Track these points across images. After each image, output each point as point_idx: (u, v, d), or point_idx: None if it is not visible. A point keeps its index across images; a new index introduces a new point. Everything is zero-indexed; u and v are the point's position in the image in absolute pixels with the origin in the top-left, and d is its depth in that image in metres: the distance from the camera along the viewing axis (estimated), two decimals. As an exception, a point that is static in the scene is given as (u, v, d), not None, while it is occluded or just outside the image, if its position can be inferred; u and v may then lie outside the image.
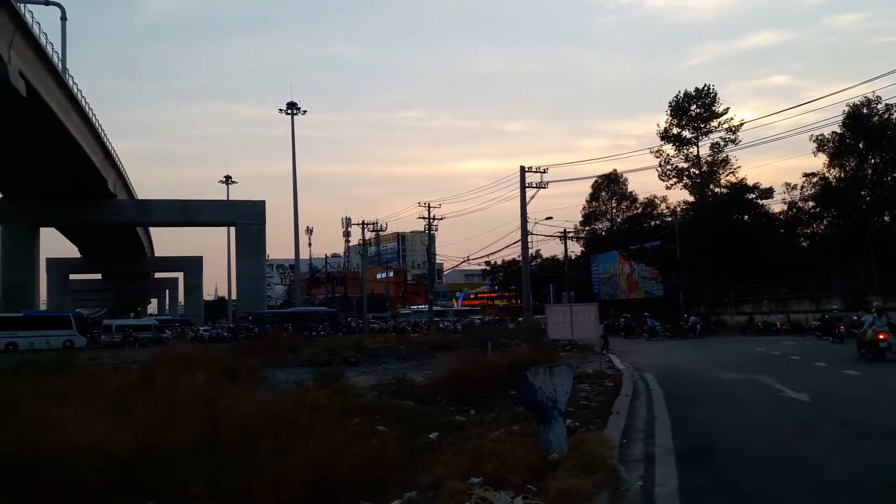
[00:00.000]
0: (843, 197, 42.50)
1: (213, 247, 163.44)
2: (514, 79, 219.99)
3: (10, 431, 6.58)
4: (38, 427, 6.72)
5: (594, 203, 69.51)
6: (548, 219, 68.10)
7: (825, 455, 7.55)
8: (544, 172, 42.73)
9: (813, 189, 44.94)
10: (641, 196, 66.29)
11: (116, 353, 32.34)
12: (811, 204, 45.84)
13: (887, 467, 6.95)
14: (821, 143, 43.53)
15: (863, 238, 40.68)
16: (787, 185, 47.70)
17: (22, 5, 35.05)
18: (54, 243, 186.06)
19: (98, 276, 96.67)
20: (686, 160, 54.85)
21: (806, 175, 45.40)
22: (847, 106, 41.81)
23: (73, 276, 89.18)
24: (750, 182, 51.88)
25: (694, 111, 53.76)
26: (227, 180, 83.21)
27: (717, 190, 54.09)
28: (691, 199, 55.64)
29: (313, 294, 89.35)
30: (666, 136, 54.30)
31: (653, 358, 23.03)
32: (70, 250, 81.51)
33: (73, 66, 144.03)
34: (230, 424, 7.31)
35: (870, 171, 42.66)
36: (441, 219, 58.71)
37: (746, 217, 51.52)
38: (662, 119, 57.14)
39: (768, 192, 50.51)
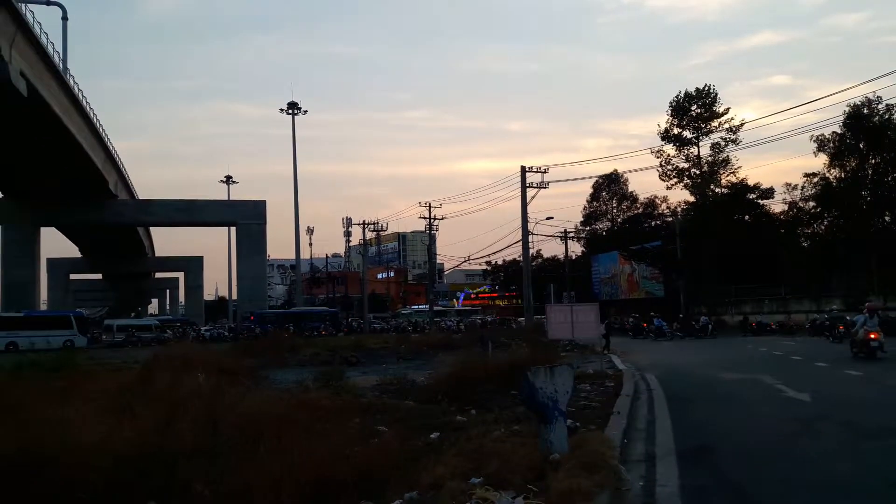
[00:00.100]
0: (843, 197, 42.50)
1: (213, 247, 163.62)
2: (515, 79, 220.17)
3: (11, 431, 6.59)
4: (39, 427, 6.72)
5: (595, 203, 69.58)
6: (548, 219, 67.98)
7: (826, 455, 7.55)
8: (545, 172, 42.83)
9: (813, 189, 44.96)
10: (642, 196, 66.53)
11: (118, 353, 32.41)
12: (812, 204, 45.87)
13: (888, 467, 6.95)
14: (821, 144, 43.54)
15: (863, 238, 40.68)
16: (788, 185, 47.86)
17: (23, 5, 35.05)
18: (55, 243, 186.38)
19: (99, 276, 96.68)
20: (687, 160, 54.87)
21: (806, 175, 45.48)
22: (848, 106, 41.93)
23: (73, 276, 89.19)
24: (750, 182, 52.05)
25: (695, 111, 53.75)
26: (228, 180, 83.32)
27: (717, 190, 54.10)
28: (692, 199, 55.68)
29: (314, 294, 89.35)
30: (667, 136, 54.32)
31: (654, 358, 23.03)
32: (71, 250, 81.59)
33: (75, 65, 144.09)
34: (231, 424, 7.32)
35: (870, 172, 42.66)
36: (442, 219, 58.89)
37: (747, 217, 51.55)
38: (663, 119, 57.27)
39: (769, 193, 50.62)
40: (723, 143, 53.12)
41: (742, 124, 51.86)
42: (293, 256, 71.82)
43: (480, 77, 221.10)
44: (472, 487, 5.66)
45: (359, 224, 68.03)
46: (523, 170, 42.14)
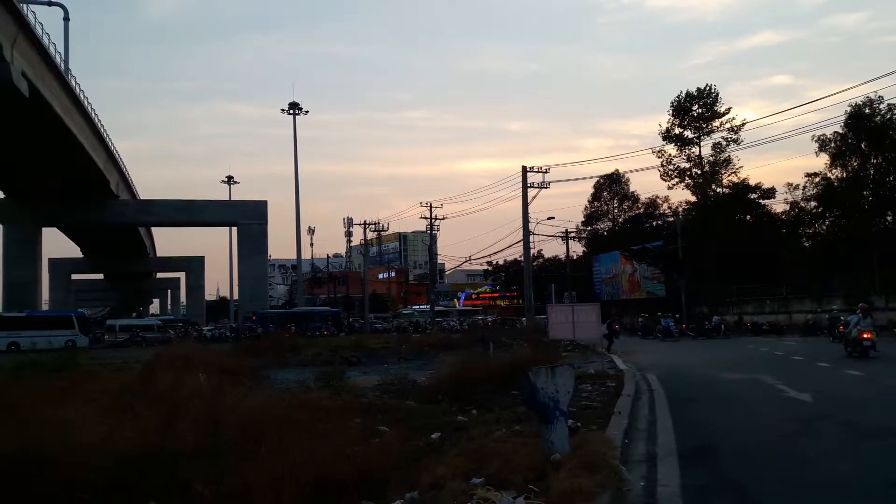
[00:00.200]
0: (845, 197, 42.48)
1: (214, 247, 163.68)
2: (515, 79, 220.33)
3: (12, 431, 6.59)
4: (40, 427, 6.73)
5: (596, 203, 69.58)
6: (550, 219, 68.19)
7: (827, 455, 7.54)
8: (546, 172, 42.81)
9: (815, 189, 44.95)
10: (643, 196, 66.52)
11: (119, 353, 32.43)
12: (813, 204, 45.84)
13: (888, 467, 6.94)
14: (822, 144, 43.52)
15: (865, 238, 40.64)
16: (789, 185, 47.84)
17: (24, 6, 35.06)
18: (56, 243, 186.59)
19: (100, 276, 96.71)
20: (688, 160, 54.82)
21: (808, 175, 45.49)
22: (849, 106, 41.86)
23: (75, 276, 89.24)
24: (752, 182, 52.04)
25: (696, 111, 53.69)
26: (230, 180, 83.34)
27: (718, 190, 54.06)
28: (693, 199, 55.66)
29: (315, 294, 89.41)
30: (668, 136, 54.26)
31: (656, 358, 23.02)
32: (72, 250, 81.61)
33: (76, 66, 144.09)
34: (232, 424, 7.32)
35: (872, 171, 42.64)
36: (443, 219, 58.78)
37: (748, 217, 51.54)
38: (664, 119, 57.20)
39: (770, 192, 50.61)
40: (724, 143, 53.13)
41: (743, 124, 51.90)
42: (294, 256, 71.85)
43: (480, 77, 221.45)
44: (473, 487, 5.66)
45: (360, 224, 68.08)
46: (524, 170, 42.13)
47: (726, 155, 53.58)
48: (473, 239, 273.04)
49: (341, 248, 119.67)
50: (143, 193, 69.94)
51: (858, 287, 38.28)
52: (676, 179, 55.20)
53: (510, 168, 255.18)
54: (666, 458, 7.32)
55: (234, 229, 66.01)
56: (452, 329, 52.31)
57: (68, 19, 51.14)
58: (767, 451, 7.77)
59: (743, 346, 29.36)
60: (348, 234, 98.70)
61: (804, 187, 45.97)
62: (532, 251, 47.45)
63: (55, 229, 66.66)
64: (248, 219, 62.43)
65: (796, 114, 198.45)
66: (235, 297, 70.45)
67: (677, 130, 54.15)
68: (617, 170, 66.07)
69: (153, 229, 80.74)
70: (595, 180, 66.88)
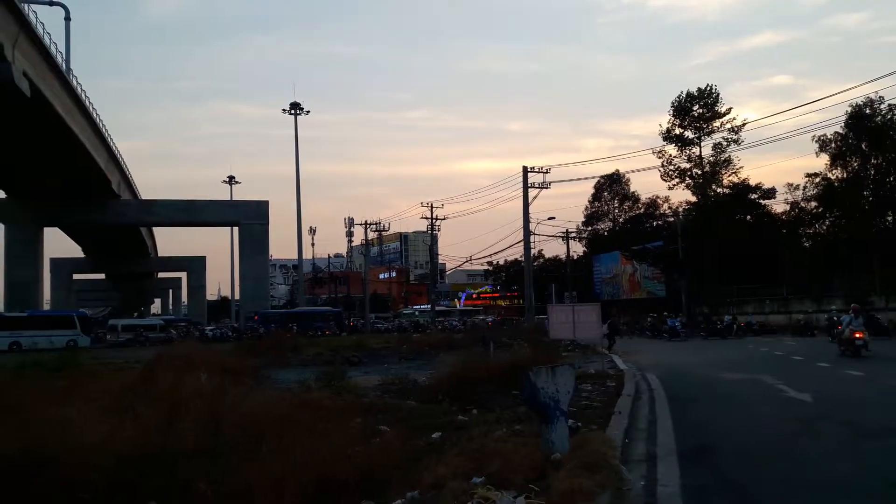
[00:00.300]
0: (845, 197, 42.46)
1: (216, 247, 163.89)
2: (515, 79, 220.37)
3: (13, 431, 6.60)
4: (41, 427, 6.74)
5: (596, 203, 69.58)
6: (550, 219, 68.59)
7: (827, 455, 7.55)
8: (547, 172, 42.85)
9: (815, 189, 44.93)
10: (644, 196, 66.46)
11: (121, 353, 32.47)
12: (813, 204, 45.83)
13: (888, 467, 6.95)
14: (823, 144, 43.51)
15: (865, 238, 40.62)
16: (790, 185, 47.83)
17: (26, 6, 35.09)
18: (58, 243, 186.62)
19: (102, 276, 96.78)
20: (688, 160, 54.68)
21: (808, 175, 45.47)
22: (850, 106, 41.83)
23: (76, 276, 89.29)
24: (752, 182, 51.95)
25: (696, 111, 53.56)
26: (231, 180, 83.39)
27: (719, 190, 53.96)
28: (694, 199, 55.57)
29: (316, 294, 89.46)
30: (668, 136, 54.14)
31: (657, 358, 23.01)
32: (74, 250, 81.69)
33: (77, 66, 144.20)
34: (233, 424, 7.34)
35: (872, 172, 42.62)
36: (444, 219, 58.84)
37: (749, 217, 51.51)
38: (664, 119, 57.16)
39: (771, 193, 50.57)
40: (724, 144, 52.95)
41: (744, 124, 51.75)
42: (295, 256, 71.85)
43: (480, 77, 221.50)
44: (473, 487, 5.67)
45: (361, 224, 68.15)
46: (525, 170, 42.17)
47: (727, 155, 53.52)
48: (474, 239, 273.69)
49: (342, 248, 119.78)
50: (145, 193, 70.07)
51: (859, 287, 38.27)
52: (677, 180, 55.11)
53: (510, 168, 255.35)
54: (666, 457, 7.33)
55: (236, 229, 66.05)
56: (453, 329, 52.31)
57: (69, 19, 51.14)
58: (767, 451, 7.78)
59: (743, 346, 29.35)
60: (349, 234, 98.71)
61: (804, 188, 46.01)
62: (532, 251, 47.52)
63: (57, 229, 66.74)
64: (249, 219, 62.45)
65: (797, 114, 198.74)
66: (237, 297, 70.48)
67: (678, 131, 54.03)
68: (617, 170, 66.13)
69: (155, 229, 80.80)
70: (595, 180, 66.97)
